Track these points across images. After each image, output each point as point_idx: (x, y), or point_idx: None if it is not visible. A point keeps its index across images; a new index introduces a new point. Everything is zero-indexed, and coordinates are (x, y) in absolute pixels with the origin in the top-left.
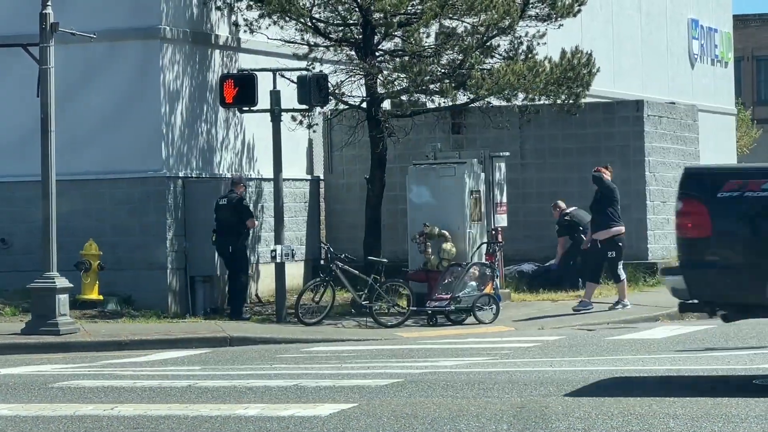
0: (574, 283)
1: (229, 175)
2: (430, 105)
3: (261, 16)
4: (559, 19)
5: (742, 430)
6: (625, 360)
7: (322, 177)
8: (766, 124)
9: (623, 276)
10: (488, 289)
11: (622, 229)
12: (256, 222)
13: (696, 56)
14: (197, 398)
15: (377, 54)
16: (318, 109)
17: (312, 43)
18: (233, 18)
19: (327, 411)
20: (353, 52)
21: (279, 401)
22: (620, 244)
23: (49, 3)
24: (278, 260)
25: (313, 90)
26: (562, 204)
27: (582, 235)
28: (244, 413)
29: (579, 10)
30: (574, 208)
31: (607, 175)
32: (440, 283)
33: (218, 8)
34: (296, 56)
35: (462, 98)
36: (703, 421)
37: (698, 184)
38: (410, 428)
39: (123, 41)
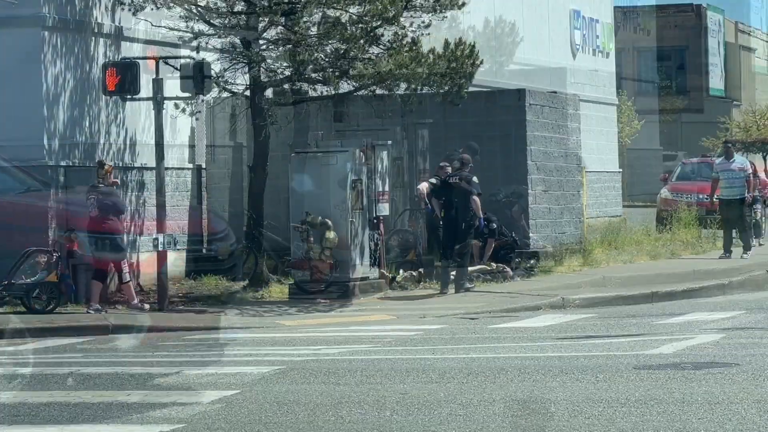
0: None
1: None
2: (313, 93)
3: (145, 0)
4: (444, 11)
5: (622, 414)
6: (507, 348)
7: (204, 166)
8: (647, 115)
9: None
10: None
11: None
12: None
13: (578, 46)
14: (79, 386)
15: (261, 42)
16: (201, 97)
17: (197, 31)
18: None
19: (209, 398)
20: (237, 40)
21: (161, 389)
22: None
23: None
24: (160, 248)
25: (196, 78)
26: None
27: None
28: (126, 400)
29: (464, 3)
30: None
31: None
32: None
33: None
34: (182, 40)
35: (345, 87)
36: (584, 405)
37: None
38: (292, 415)
39: (3, 29)
